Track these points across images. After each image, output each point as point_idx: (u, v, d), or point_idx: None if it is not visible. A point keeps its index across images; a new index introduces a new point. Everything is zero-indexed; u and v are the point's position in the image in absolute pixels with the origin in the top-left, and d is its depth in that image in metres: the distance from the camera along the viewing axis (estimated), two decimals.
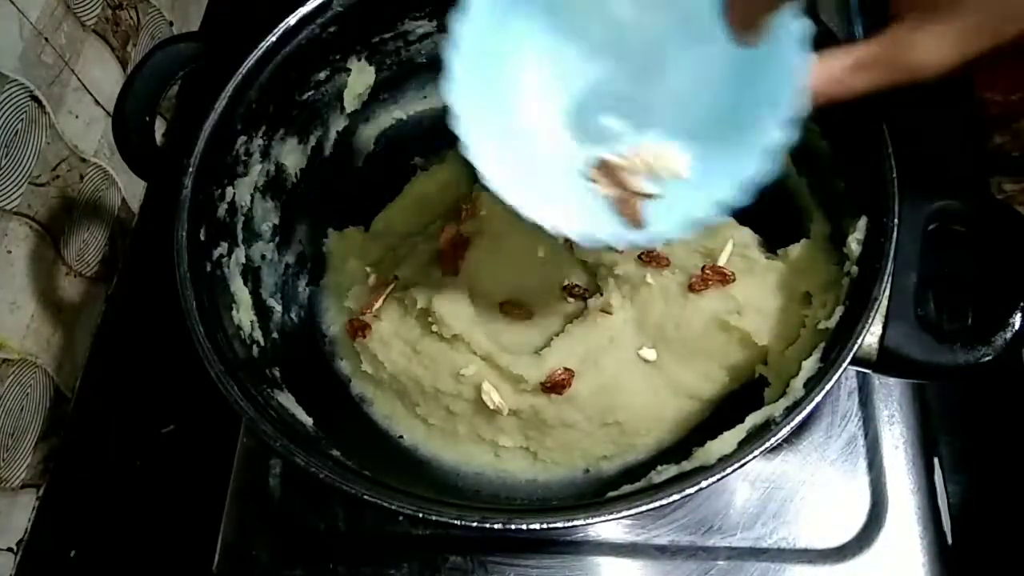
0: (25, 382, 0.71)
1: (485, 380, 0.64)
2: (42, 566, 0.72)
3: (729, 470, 0.48)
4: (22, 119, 0.69)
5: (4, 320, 0.69)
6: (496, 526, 0.48)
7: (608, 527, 0.66)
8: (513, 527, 0.48)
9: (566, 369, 0.62)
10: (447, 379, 0.65)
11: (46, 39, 0.72)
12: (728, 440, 0.52)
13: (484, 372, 0.64)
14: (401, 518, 0.50)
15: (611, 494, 0.53)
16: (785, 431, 0.49)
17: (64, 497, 0.75)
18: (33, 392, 0.73)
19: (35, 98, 0.71)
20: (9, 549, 0.71)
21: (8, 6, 0.67)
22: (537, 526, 0.48)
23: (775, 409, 0.52)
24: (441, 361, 0.65)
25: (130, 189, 0.87)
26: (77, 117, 0.78)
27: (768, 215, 0.71)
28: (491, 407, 0.64)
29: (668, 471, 0.53)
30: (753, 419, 0.53)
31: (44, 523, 0.73)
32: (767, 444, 0.49)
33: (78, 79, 0.78)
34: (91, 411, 0.78)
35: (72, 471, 0.76)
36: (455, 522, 0.48)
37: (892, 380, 0.71)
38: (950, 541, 0.65)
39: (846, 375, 0.51)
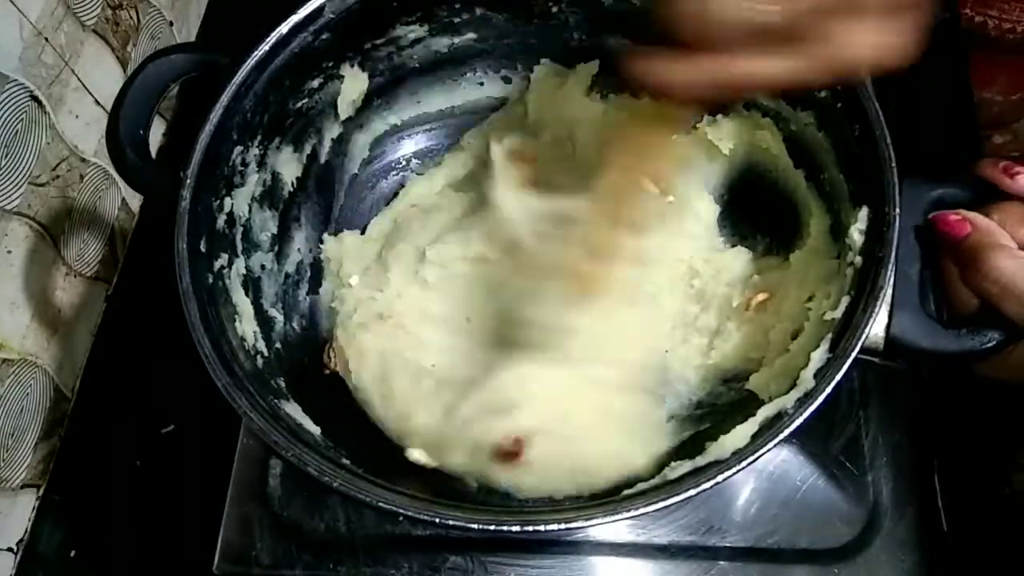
0: (25, 382, 0.71)
1: (413, 449, 0.63)
2: (42, 566, 0.72)
3: (744, 463, 0.48)
4: (22, 119, 0.69)
5: (4, 320, 0.69)
6: (514, 528, 0.48)
7: (608, 526, 0.66)
8: (531, 528, 0.48)
9: (516, 439, 0.59)
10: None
11: (46, 39, 0.72)
12: (741, 433, 0.52)
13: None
14: (401, 519, 0.49)
15: (626, 492, 0.53)
16: (799, 421, 0.49)
17: (64, 497, 0.75)
18: (33, 392, 0.73)
19: (35, 98, 0.71)
20: (9, 549, 0.71)
21: (8, 6, 0.67)
22: (555, 527, 0.48)
23: (786, 401, 0.52)
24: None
25: (130, 189, 0.87)
26: (77, 117, 0.78)
27: (765, 210, 0.72)
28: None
29: (682, 467, 0.53)
30: (765, 412, 0.53)
31: (44, 523, 0.73)
32: (781, 435, 0.49)
33: (78, 79, 0.78)
34: (91, 411, 0.78)
35: (72, 471, 0.76)
36: (472, 526, 0.48)
37: (892, 380, 0.71)
38: (950, 542, 0.65)
39: (848, 373, 0.51)
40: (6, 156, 0.67)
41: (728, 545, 0.65)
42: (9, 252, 0.69)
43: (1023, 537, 0.64)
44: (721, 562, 0.64)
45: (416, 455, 0.63)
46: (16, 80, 0.68)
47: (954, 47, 0.88)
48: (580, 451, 0.60)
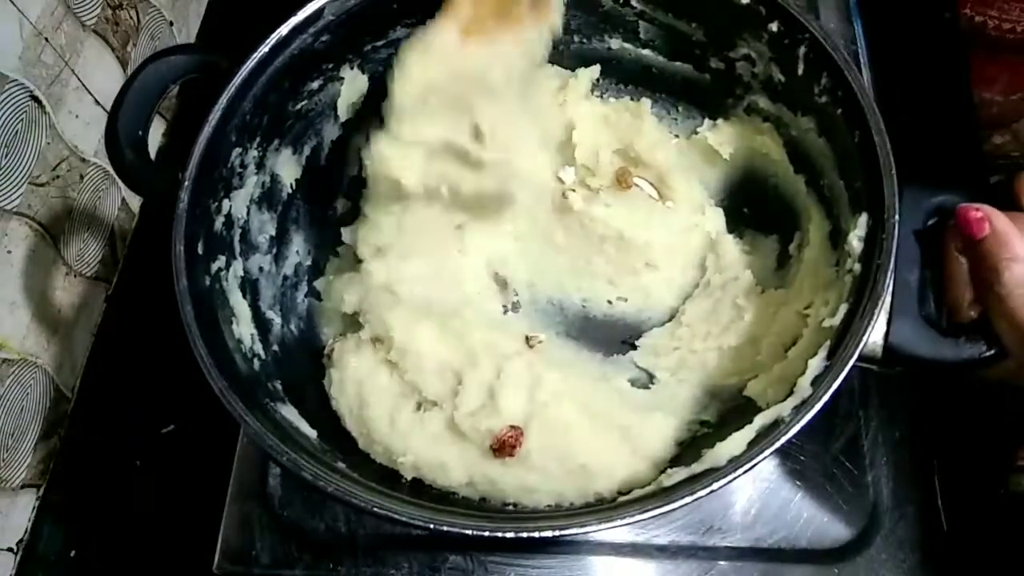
0: (25, 382, 0.71)
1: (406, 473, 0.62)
2: (42, 566, 0.72)
3: (740, 471, 0.48)
4: (22, 119, 0.69)
5: (4, 320, 0.69)
6: (508, 535, 0.48)
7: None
8: (525, 535, 0.48)
9: (512, 427, 0.59)
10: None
11: (46, 39, 0.72)
12: (738, 441, 0.51)
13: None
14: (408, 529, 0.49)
15: (622, 499, 0.52)
16: (795, 429, 0.49)
17: (64, 497, 0.75)
18: (33, 392, 0.73)
19: (35, 98, 0.71)
20: (9, 549, 0.71)
21: (8, 6, 0.67)
22: (550, 534, 0.48)
23: (783, 408, 0.52)
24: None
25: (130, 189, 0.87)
26: (77, 117, 0.78)
27: (765, 216, 0.72)
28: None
29: (678, 474, 0.53)
30: (762, 419, 0.53)
31: (44, 523, 0.73)
32: (778, 443, 0.49)
33: (78, 79, 0.78)
34: (91, 411, 0.78)
35: (72, 471, 0.76)
36: (467, 532, 0.48)
37: (892, 380, 0.71)
38: (950, 542, 0.65)
39: (846, 380, 0.51)
40: (6, 156, 0.67)
41: (728, 545, 0.65)
42: (9, 252, 0.69)
43: (1022, 537, 0.64)
44: (721, 562, 0.65)
45: (412, 475, 0.62)
46: (16, 80, 0.68)
47: (954, 47, 0.88)
48: (577, 447, 0.60)
